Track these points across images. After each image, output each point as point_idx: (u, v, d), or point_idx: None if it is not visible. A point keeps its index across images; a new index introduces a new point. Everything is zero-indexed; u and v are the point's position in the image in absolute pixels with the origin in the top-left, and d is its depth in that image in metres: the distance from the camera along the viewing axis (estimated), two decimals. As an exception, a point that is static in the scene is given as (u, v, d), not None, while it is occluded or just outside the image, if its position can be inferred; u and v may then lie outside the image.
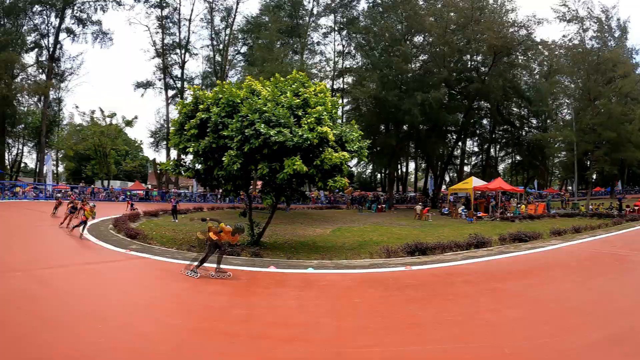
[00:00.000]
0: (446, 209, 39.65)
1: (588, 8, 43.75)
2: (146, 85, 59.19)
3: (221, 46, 59.57)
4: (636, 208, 34.94)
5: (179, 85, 59.52)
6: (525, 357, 6.12)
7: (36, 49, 55.53)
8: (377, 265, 13.06)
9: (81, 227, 16.94)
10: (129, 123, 65.18)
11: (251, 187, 18.53)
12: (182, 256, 13.74)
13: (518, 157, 72.48)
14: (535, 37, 50.00)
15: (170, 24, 59.05)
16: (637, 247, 17.27)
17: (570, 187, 71.62)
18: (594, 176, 62.02)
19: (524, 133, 66.16)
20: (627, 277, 12.02)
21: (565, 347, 6.37)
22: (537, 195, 55.45)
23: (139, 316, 7.61)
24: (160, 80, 59.47)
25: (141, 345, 6.18)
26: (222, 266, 11.01)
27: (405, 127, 48.55)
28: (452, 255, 15.20)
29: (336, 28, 60.92)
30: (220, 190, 19.19)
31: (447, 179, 66.41)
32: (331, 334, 6.88)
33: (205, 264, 10.89)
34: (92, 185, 58.11)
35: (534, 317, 8.08)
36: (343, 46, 61.35)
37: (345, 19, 59.76)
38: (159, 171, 57.45)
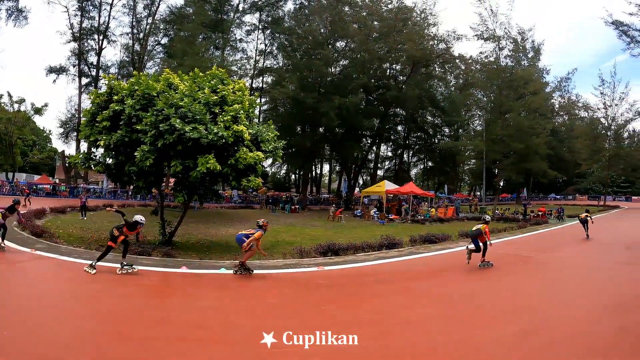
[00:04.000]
0: (359, 211, 40.34)
1: (505, 29, 45.95)
2: (59, 70, 55.02)
3: (141, 35, 56.75)
4: (540, 213, 37.14)
5: (94, 73, 56.07)
6: (440, 352, 6.46)
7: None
8: (290, 266, 13.21)
9: None
10: (38, 111, 61.67)
11: (164, 184, 18.07)
12: (91, 256, 13.27)
13: (430, 163, 75.45)
14: (453, 51, 52.20)
15: (91, 7, 55.14)
16: (540, 248, 18.59)
17: (478, 193, 75.01)
18: (501, 183, 65.22)
19: (436, 141, 69.20)
20: (532, 276, 12.96)
21: (478, 342, 6.81)
22: (448, 200, 57.60)
23: (50, 320, 7.26)
24: (74, 66, 55.62)
25: (53, 351, 5.94)
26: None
27: (321, 130, 48.88)
28: (365, 255, 15.69)
29: (260, 27, 60.35)
30: (132, 187, 18.66)
31: (360, 181, 67.65)
32: (249, 334, 6.90)
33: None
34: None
35: (446, 314, 8.56)
36: (265, 45, 60.87)
37: (270, 18, 59.30)
38: (67, 164, 54.34)
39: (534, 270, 14.04)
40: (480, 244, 13.40)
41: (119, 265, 10.99)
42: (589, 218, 21.93)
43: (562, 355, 6.35)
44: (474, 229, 13.79)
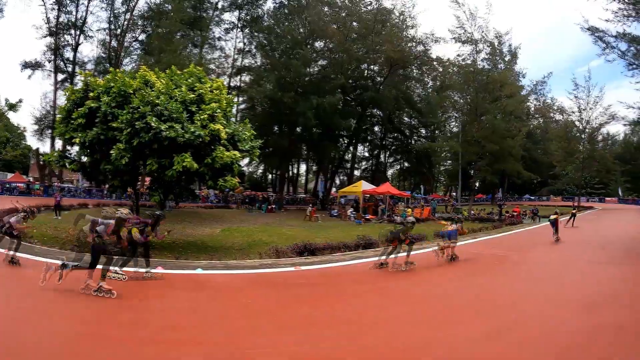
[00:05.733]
0: (336, 210, 40.32)
1: (483, 32, 46.44)
2: (34, 66, 53.81)
3: (119, 31, 55.59)
4: (515, 214, 37.65)
5: (70, 69, 54.77)
6: (415, 351, 6.52)
7: None
8: (267, 266, 13.20)
9: None
10: (12, 107, 60.01)
11: (139, 183, 17.92)
12: (66, 256, 13.09)
13: (406, 164, 75.98)
14: (431, 53, 52.51)
15: (68, 1, 53.84)
16: (514, 248, 18.87)
17: (454, 194, 75.80)
18: (477, 184, 65.85)
19: (413, 142, 69.80)
20: (506, 276, 13.21)
21: (452, 341, 6.91)
22: (424, 200, 58.05)
23: (20, 322, 7.12)
24: (50, 61, 54.40)
25: (28, 353, 5.85)
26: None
27: (298, 129, 48.80)
28: (341, 255, 15.76)
29: (239, 25, 59.96)
30: (107, 186, 18.45)
31: (337, 181, 67.63)
32: (224, 335, 6.91)
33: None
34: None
35: (421, 313, 8.65)
36: (244, 44, 60.44)
37: (249, 17, 58.95)
38: (42, 162, 53.28)
39: (508, 269, 14.28)
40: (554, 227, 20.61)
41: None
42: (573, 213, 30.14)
43: (536, 353, 6.48)
44: (551, 218, 21.48)
